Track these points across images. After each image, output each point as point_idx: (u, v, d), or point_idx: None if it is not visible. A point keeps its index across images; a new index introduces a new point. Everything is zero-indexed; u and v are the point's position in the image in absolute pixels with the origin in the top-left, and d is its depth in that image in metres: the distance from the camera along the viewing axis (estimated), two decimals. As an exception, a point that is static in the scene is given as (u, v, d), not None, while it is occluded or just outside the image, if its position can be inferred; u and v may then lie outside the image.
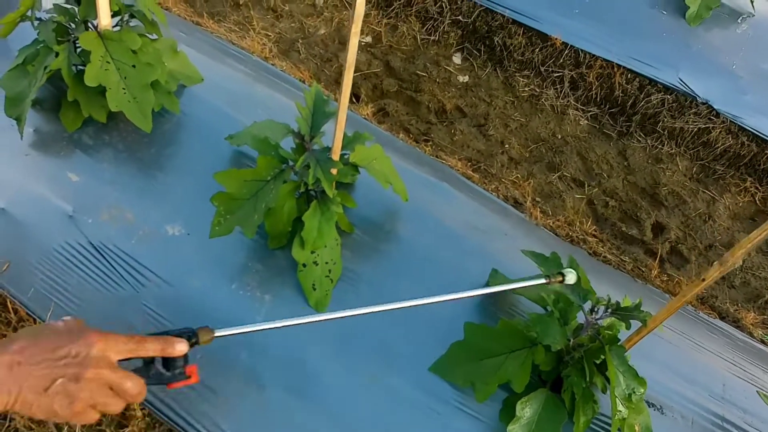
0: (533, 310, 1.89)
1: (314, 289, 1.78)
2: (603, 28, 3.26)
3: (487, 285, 1.97)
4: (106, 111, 2.04)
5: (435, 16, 3.44)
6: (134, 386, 0.85)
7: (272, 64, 2.79)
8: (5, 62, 2.02)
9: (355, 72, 3.24)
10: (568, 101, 3.31)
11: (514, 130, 3.18)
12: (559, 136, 3.21)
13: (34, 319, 1.77)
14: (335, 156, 1.68)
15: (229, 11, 3.33)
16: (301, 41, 3.30)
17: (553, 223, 2.61)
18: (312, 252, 1.76)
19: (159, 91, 2.05)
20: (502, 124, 3.18)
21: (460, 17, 3.42)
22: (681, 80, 3.15)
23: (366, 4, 3.51)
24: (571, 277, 1.73)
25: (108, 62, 1.90)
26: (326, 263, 1.80)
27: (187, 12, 3.04)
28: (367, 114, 2.86)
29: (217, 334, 1.01)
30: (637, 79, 3.20)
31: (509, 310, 1.96)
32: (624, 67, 3.18)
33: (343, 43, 3.34)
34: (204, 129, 2.18)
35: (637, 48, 3.20)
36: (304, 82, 2.77)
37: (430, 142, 2.99)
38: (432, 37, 3.45)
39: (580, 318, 1.67)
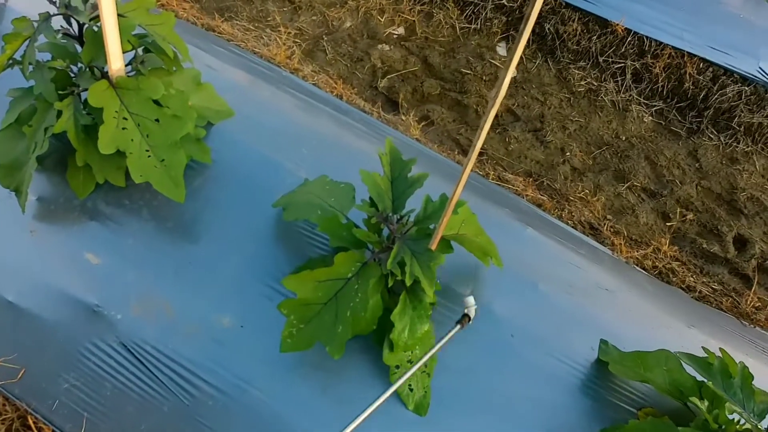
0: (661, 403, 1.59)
1: (411, 390, 1.47)
2: (673, 12, 2.85)
3: (598, 361, 1.66)
4: (124, 171, 1.66)
5: (475, 1, 3.00)
6: None
7: (302, 77, 2.38)
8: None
9: (391, 72, 2.84)
10: (631, 95, 2.93)
11: (574, 133, 2.81)
12: (623, 138, 2.85)
13: (65, 441, 1.46)
14: (434, 244, 1.33)
15: (241, 5, 2.87)
16: (325, 38, 2.86)
17: (636, 252, 2.29)
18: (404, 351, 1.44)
19: (186, 141, 1.66)
20: (560, 127, 2.81)
21: (504, 1, 2.98)
22: (761, 69, 2.78)
23: (395, -11, 3.06)
24: (472, 310, 1.60)
25: (125, 118, 1.50)
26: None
27: (194, 12, 2.59)
28: (410, 123, 2.47)
29: None
30: (711, 69, 2.82)
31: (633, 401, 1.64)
32: (697, 56, 2.79)
33: (373, 37, 2.92)
34: (242, 181, 1.81)
35: (711, 34, 2.81)
36: (341, 97, 2.37)
37: (485, 155, 2.62)
38: (473, 26, 3.01)
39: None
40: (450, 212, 1.22)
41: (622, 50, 2.89)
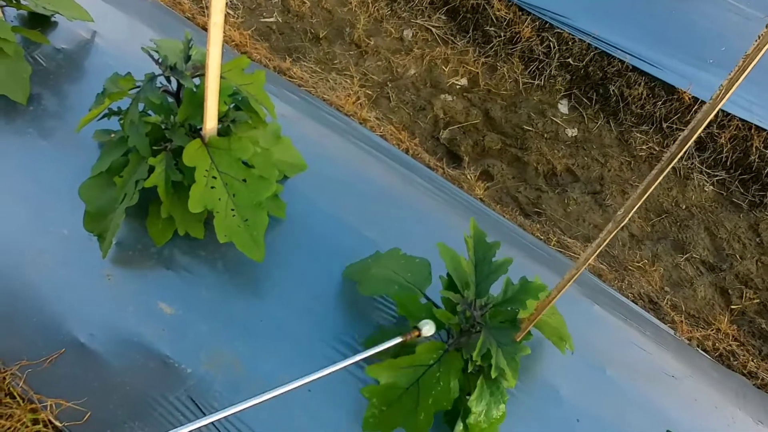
0: None
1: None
2: (743, 84, 2.80)
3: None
4: (203, 224, 1.68)
5: (540, 58, 3.00)
6: None
7: (370, 128, 2.39)
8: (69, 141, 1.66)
9: (453, 123, 2.85)
10: (693, 163, 2.89)
11: (633, 198, 2.78)
12: (683, 206, 2.81)
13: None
14: (521, 336, 1.31)
15: (308, 47, 2.91)
16: (390, 84, 2.88)
17: (697, 332, 2.24)
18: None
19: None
20: (619, 191, 2.78)
21: (570, 60, 2.98)
22: (832, 148, 2.72)
23: (461, 41, 3.08)
24: (428, 329, 1.42)
25: (214, 177, 1.52)
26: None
27: (266, 53, 2.63)
28: (473, 181, 2.47)
29: None
30: (779, 144, 2.77)
31: None
32: (765, 131, 2.74)
33: (436, 86, 2.93)
34: (313, 239, 1.82)
35: (782, 109, 2.76)
36: (408, 151, 2.38)
37: (543, 216, 2.60)
38: (536, 81, 3.01)
39: None
40: (545, 309, 1.21)
41: (688, 117, 2.85)
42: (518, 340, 1.32)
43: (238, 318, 1.65)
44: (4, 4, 1.95)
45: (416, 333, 1.43)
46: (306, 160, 1.95)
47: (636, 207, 1.05)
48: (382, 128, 2.46)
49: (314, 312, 1.67)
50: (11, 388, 1.56)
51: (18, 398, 1.55)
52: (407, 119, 2.78)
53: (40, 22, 2.12)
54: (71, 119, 1.93)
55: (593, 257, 1.14)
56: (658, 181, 0.98)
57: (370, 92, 2.79)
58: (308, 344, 1.62)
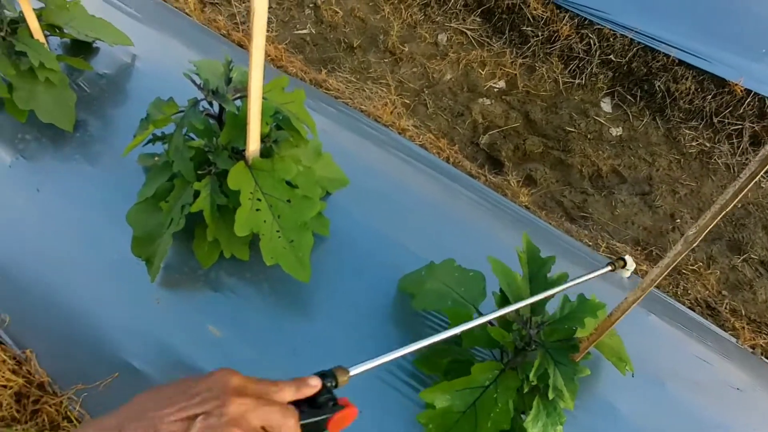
0: None
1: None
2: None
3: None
4: (248, 246, 1.67)
5: (581, 56, 2.91)
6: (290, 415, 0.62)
7: (409, 137, 2.36)
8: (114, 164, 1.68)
9: (492, 128, 2.79)
10: (747, 159, 2.76)
11: (684, 198, 2.67)
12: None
13: None
14: (580, 356, 1.26)
15: (343, 57, 2.90)
16: (426, 90, 2.84)
17: (761, 339, 2.13)
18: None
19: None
20: (669, 191, 2.67)
21: (611, 56, 2.88)
22: None
23: (497, 42, 3.02)
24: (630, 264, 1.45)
25: (259, 199, 1.51)
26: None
27: (301, 66, 2.63)
28: (516, 188, 2.40)
29: (352, 373, 0.84)
30: (840, 135, 2.62)
31: None
32: (826, 122, 2.60)
33: (473, 91, 2.88)
34: (358, 256, 1.79)
35: (843, 98, 2.61)
36: (449, 160, 2.34)
37: (590, 220, 2.52)
38: (577, 80, 2.93)
39: None
40: (606, 332, 1.15)
41: (740, 111, 2.73)
42: (577, 360, 1.26)
43: (286, 339, 1.63)
44: (48, 33, 1.99)
45: (623, 263, 1.43)
46: (347, 174, 1.93)
47: (710, 227, 0.98)
48: (421, 137, 2.43)
49: (361, 330, 1.65)
50: (68, 412, 1.59)
51: (75, 422, 1.57)
52: (445, 125, 2.73)
53: (82, 48, 2.16)
54: (116, 143, 1.96)
55: (660, 279, 1.08)
56: (737, 200, 0.92)
57: (407, 100, 2.76)
58: (356, 364, 1.60)
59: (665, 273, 1.07)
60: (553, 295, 1.26)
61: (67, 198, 1.83)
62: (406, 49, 2.97)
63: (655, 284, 1.10)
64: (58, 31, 2.01)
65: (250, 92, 1.35)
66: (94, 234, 1.77)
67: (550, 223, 2.24)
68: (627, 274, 1.48)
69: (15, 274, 1.68)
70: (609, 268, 1.41)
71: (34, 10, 1.87)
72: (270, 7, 2.95)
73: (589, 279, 1.30)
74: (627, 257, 1.46)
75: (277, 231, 1.53)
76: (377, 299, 1.71)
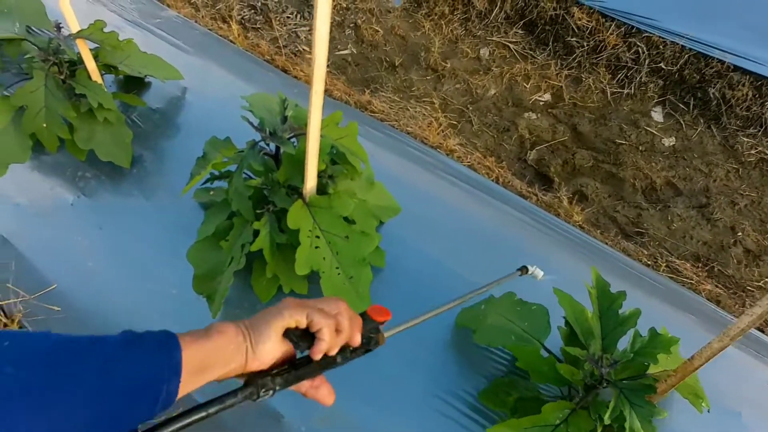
0: None
1: None
2: None
3: None
4: (306, 280, 1.68)
5: (629, 65, 2.84)
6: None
7: (457, 158, 2.33)
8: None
9: (539, 143, 2.74)
10: (811, 166, 2.64)
11: (744, 210, 2.57)
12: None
13: None
14: (658, 398, 1.21)
15: (385, 76, 2.89)
16: (470, 107, 2.81)
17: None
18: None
19: (365, 249, 1.65)
20: (728, 202, 2.57)
21: (661, 64, 2.80)
22: None
23: (541, 54, 2.97)
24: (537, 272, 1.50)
25: (318, 237, 1.51)
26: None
27: (344, 88, 2.63)
28: (568, 206, 2.35)
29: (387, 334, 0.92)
30: None
31: None
32: None
33: (518, 105, 2.83)
34: (414, 287, 1.78)
35: None
36: (498, 180, 2.30)
37: (646, 236, 2.45)
38: (626, 90, 2.85)
39: None
40: (689, 375, 1.11)
41: (802, 117, 2.61)
42: (655, 402, 1.22)
43: (348, 374, 1.62)
44: (104, 72, 2.04)
45: (525, 270, 1.50)
46: (397, 200, 1.92)
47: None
48: (468, 156, 2.40)
49: (425, 364, 1.63)
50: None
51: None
52: (491, 143, 2.70)
53: (135, 84, 2.21)
54: (172, 178, 1.99)
55: (750, 329, 1.03)
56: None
57: (453, 120, 2.73)
58: (421, 398, 1.58)
59: (757, 323, 1.02)
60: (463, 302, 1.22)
61: (128, 235, 1.86)
62: (449, 66, 2.94)
63: (744, 332, 1.05)
64: (113, 69, 2.06)
65: (309, 134, 1.35)
66: (152, 269, 1.80)
67: (606, 243, 2.18)
68: (539, 276, 1.52)
69: (79, 308, 1.72)
70: (518, 273, 1.48)
71: (90, 50, 1.92)
72: (310, 29, 2.97)
73: (501, 282, 1.35)
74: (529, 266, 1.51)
75: (336, 268, 1.52)
76: (437, 330, 1.69)
